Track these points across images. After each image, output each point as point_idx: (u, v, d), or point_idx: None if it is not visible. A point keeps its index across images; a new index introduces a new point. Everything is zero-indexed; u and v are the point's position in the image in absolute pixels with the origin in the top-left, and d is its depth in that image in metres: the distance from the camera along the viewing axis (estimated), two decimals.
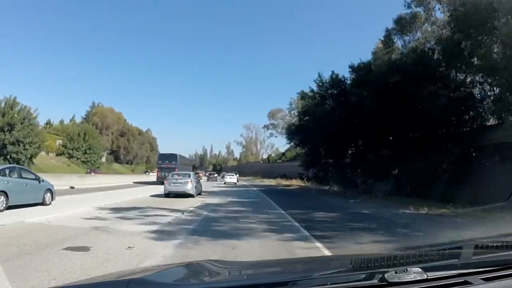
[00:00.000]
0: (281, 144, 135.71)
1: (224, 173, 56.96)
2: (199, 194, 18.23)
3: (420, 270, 1.18)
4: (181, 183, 16.47)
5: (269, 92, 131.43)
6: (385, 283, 1.14)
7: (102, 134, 57.89)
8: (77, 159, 40.85)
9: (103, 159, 55.09)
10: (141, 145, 72.37)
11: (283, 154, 71.30)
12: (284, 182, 41.56)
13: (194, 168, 63.08)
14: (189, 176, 17.40)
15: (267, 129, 59.04)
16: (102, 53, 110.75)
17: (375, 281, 1.16)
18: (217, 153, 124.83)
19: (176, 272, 1.36)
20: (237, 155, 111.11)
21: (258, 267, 1.57)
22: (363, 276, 1.20)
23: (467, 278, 1.19)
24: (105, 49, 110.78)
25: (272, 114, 59.10)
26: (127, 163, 67.73)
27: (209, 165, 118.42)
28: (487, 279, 1.19)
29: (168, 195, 16.21)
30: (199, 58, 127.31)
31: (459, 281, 1.18)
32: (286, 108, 50.55)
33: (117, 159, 65.50)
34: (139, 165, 70.94)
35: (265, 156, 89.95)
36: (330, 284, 1.14)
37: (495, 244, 1.37)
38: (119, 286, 1.22)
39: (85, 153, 41.75)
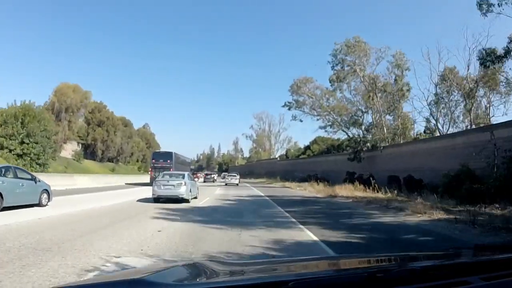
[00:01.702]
0: (310, 130, 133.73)
1: (225, 173, 58.23)
2: (195, 197, 18.68)
3: (420, 270, 1.50)
4: (173, 185, 16.41)
5: (282, 84, 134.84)
6: (385, 283, 1.40)
7: (60, 119, 52.81)
8: (10, 151, 33.92)
9: (66, 153, 50.75)
10: (128, 139, 68.41)
11: (308, 147, 70.79)
12: (342, 191, 24.50)
13: (201, 168, 64.19)
14: (183, 177, 17.18)
15: (289, 108, 46.24)
16: (103, 51, 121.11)
17: (375, 281, 1.42)
18: (225, 152, 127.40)
19: (176, 272, 1.63)
20: (246, 153, 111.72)
21: (258, 267, 1.84)
22: (363, 276, 1.48)
23: (467, 278, 1.44)
24: (105, 48, 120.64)
25: (297, 87, 44.00)
26: (109, 161, 64.06)
27: (216, 165, 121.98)
28: (487, 279, 1.43)
29: (157, 199, 16.25)
30: (202, 54, 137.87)
31: (459, 281, 1.43)
32: (327, 62, 38.43)
33: (93, 156, 61.42)
34: (130, 164, 68.50)
35: (279, 153, 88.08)
36: (330, 284, 1.40)
37: (495, 244, 1.69)
38: (119, 286, 1.58)
39: (23, 142, 34.52)
